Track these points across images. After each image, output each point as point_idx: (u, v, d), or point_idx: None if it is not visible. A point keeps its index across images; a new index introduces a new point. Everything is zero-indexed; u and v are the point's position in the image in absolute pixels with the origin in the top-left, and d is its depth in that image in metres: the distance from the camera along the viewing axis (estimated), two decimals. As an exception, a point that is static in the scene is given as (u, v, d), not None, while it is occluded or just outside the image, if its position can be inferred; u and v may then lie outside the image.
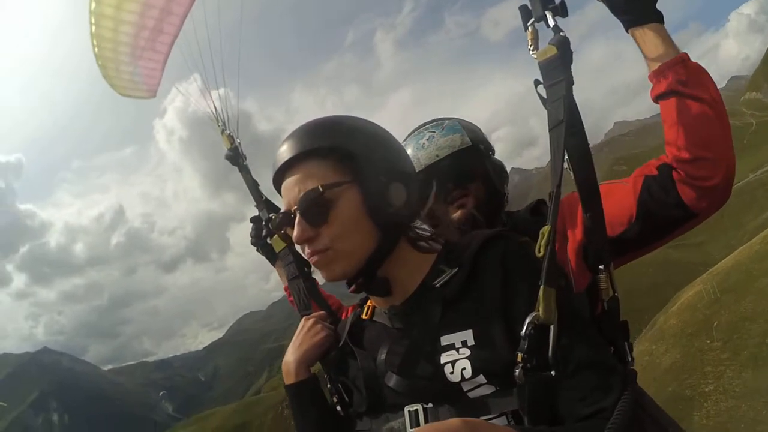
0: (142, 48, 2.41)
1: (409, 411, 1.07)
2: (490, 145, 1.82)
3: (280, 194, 1.23)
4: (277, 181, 1.22)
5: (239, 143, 2.18)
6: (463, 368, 1.03)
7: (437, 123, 1.84)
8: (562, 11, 1.29)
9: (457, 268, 1.14)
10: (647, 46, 1.32)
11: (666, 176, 1.35)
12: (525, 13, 1.34)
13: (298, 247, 1.21)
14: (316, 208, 1.12)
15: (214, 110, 2.26)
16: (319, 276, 1.61)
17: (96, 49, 2.41)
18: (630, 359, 1.31)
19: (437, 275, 1.17)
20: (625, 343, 1.33)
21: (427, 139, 1.79)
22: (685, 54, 1.31)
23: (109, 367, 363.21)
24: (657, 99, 1.33)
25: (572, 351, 1.00)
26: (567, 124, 1.17)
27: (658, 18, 1.31)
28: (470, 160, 1.75)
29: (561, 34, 1.26)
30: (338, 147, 1.15)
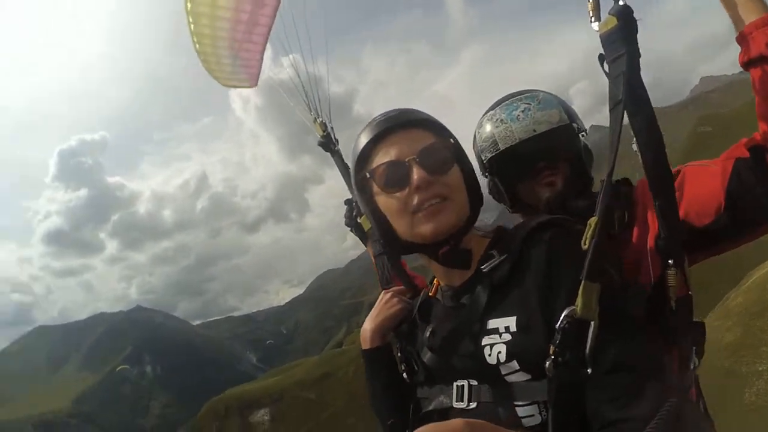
0: (240, 41, 2.53)
1: (456, 385, 1.17)
2: (582, 124, 1.74)
3: (362, 164, 1.28)
4: (374, 144, 1.25)
5: (332, 128, 2.27)
6: (499, 352, 1.08)
7: (532, 95, 1.75)
8: None
9: (505, 255, 1.18)
10: (735, 4, 1.17)
11: (758, 159, 1.19)
12: None
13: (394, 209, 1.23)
14: (439, 158, 1.21)
15: (305, 100, 2.33)
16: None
17: (197, 46, 2.56)
18: (693, 365, 1.24)
19: (487, 260, 1.22)
20: (694, 348, 1.25)
21: (522, 111, 1.70)
22: None
23: (198, 322, 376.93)
24: (746, 66, 1.17)
25: (610, 350, 0.97)
26: (625, 104, 1.13)
27: None
28: (565, 139, 1.67)
29: (621, 2, 1.18)
30: (441, 125, 1.29)
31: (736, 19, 1.16)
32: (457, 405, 1.16)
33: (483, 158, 1.83)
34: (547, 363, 0.97)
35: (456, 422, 0.78)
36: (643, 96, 1.15)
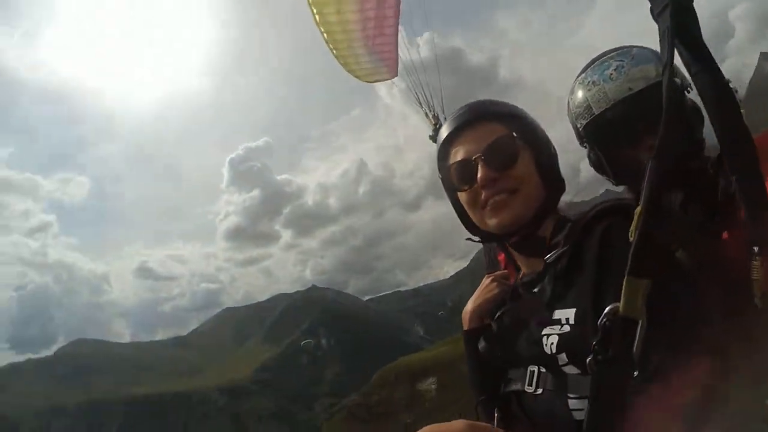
0: (372, 37, 2.64)
1: (529, 370, 1.18)
2: (687, 80, 1.49)
3: (442, 161, 1.36)
4: (448, 143, 1.33)
5: (445, 118, 2.22)
6: (552, 343, 1.07)
7: (624, 51, 1.59)
8: None
9: (567, 246, 1.15)
10: None
11: None
12: None
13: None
14: (504, 153, 1.22)
15: (417, 97, 2.39)
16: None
17: (334, 51, 2.73)
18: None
19: (552, 249, 1.20)
20: None
21: (615, 70, 1.55)
22: None
23: (368, 297, 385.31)
24: None
25: (657, 359, 0.88)
26: (669, 63, 0.95)
27: None
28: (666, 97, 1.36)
29: None
30: (514, 114, 1.30)
31: None
32: (527, 389, 1.17)
33: (578, 126, 1.68)
34: (588, 359, 0.90)
35: (458, 422, 0.79)
36: (700, 53, 0.99)
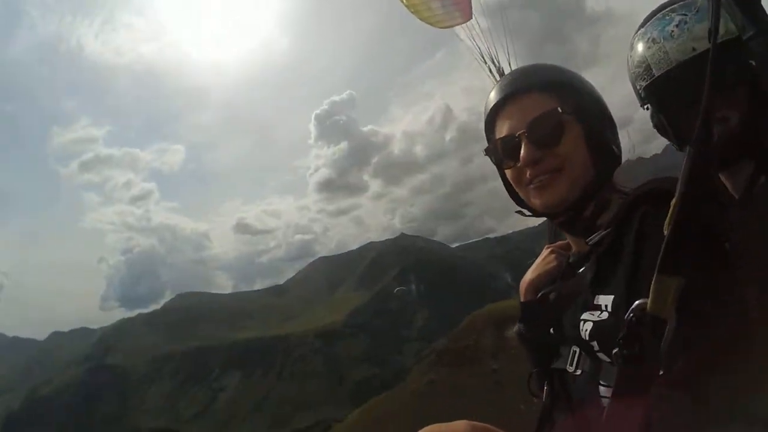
0: None
1: (573, 350, 1.15)
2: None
3: (489, 133, 1.30)
4: (493, 116, 1.26)
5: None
6: (587, 330, 1.05)
7: (687, 3, 1.32)
8: None
9: (608, 229, 1.10)
10: None
11: None
12: None
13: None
14: (548, 129, 1.13)
15: (479, 50, 2.31)
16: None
17: (404, 1, 2.74)
18: None
19: (596, 231, 1.14)
20: None
21: (677, 26, 1.31)
22: None
23: (456, 244, 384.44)
24: None
25: (685, 356, 0.81)
26: (715, 31, 0.84)
27: None
28: (737, 58, 1.18)
29: None
30: (561, 82, 1.18)
31: None
32: (569, 368, 1.15)
33: (638, 87, 1.47)
34: (614, 351, 0.87)
35: (460, 424, 0.79)
36: (754, 19, 0.90)
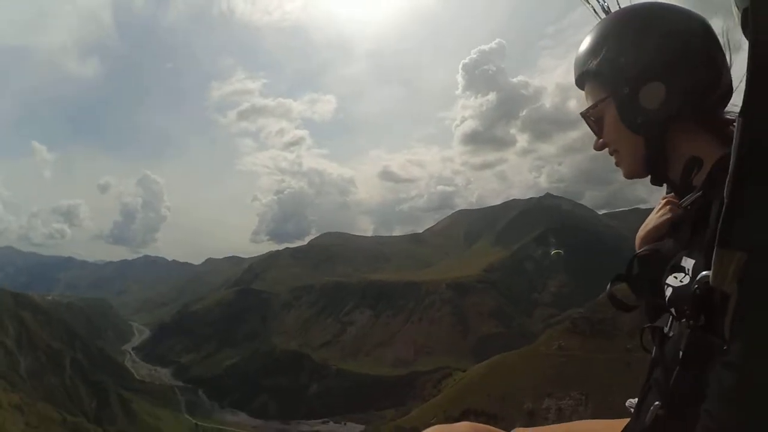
0: None
1: (671, 311, 1.09)
2: None
3: None
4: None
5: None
6: (669, 294, 1.05)
7: None
8: None
9: (699, 194, 1.09)
10: None
11: None
12: None
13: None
14: (592, 124, 1.30)
15: None
16: None
17: None
18: None
19: (688, 191, 1.14)
20: None
21: None
22: None
23: (603, 211, 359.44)
24: None
25: (742, 341, 0.80)
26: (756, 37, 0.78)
27: None
28: None
29: None
30: (591, 71, 1.23)
31: None
32: (665, 330, 1.12)
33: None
34: (682, 321, 0.91)
35: (462, 426, 0.78)
36: None
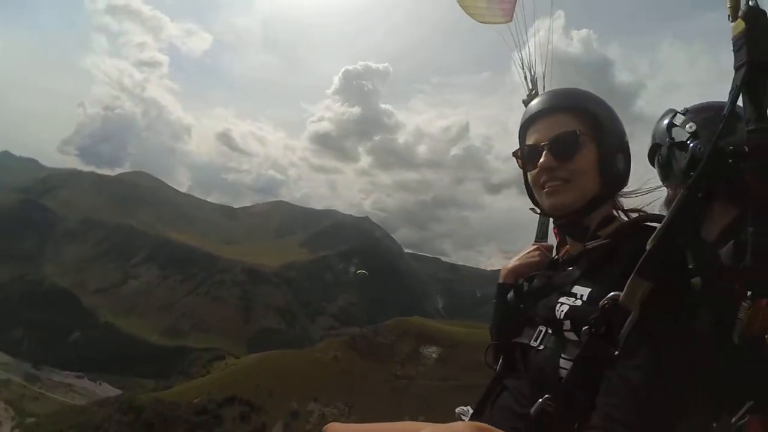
0: None
1: (539, 329, 1.40)
2: (672, 140, 1.70)
3: (521, 138, 1.57)
4: (527, 126, 1.53)
5: (544, 87, 2.37)
6: (563, 311, 1.31)
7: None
8: None
9: (607, 240, 1.39)
10: None
11: None
12: None
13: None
14: (566, 146, 1.41)
15: (520, 56, 2.42)
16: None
17: None
18: (737, 419, 1.17)
19: (593, 239, 1.43)
20: (748, 405, 1.15)
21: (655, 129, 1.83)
22: None
23: (409, 251, 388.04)
24: None
25: (634, 350, 1.10)
26: (726, 116, 1.15)
27: None
28: (661, 157, 1.76)
29: (751, 3, 1.11)
30: (587, 109, 1.44)
31: None
32: (532, 344, 1.39)
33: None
34: (583, 329, 1.18)
35: (459, 425, 0.87)
36: (761, 112, 1.11)
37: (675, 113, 1.72)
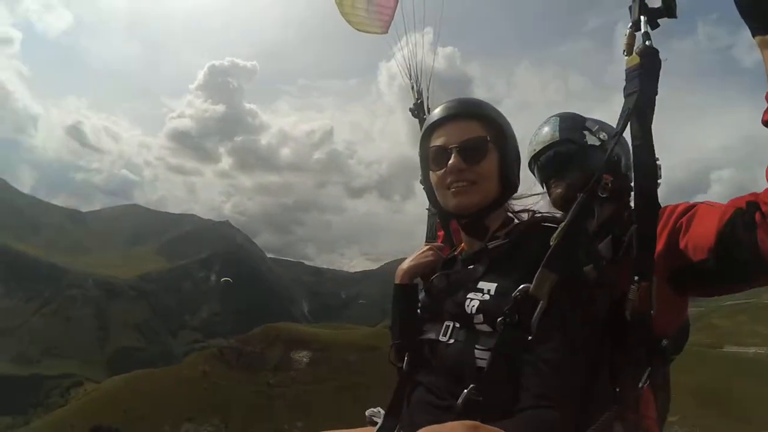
0: None
1: (446, 324, 1.51)
2: (585, 143, 1.96)
3: (424, 140, 1.66)
4: (433, 128, 1.62)
5: (428, 98, 2.54)
6: (474, 305, 1.42)
7: (547, 120, 2.09)
8: (668, 12, 1.37)
9: (507, 240, 1.53)
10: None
11: (749, 216, 1.26)
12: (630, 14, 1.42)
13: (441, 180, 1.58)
14: (475, 150, 1.53)
15: (407, 65, 2.53)
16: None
17: None
18: (641, 384, 1.41)
19: (494, 239, 1.57)
20: (649, 368, 1.41)
21: (534, 135, 2.09)
22: None
23: (272, 256, 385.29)
24: (765, 124, 1.21)
25: (548, 334, 1.27)
26: (618, 134, 1.43)
27: None
28: (558, 154, 1.98)
29: (648, 43, 1.36)
30: (494, 119, 1.58)
31: None
32: (441, 339, 1.49)
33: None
34: (498, 320, 1.31)
35: (454, 424, 0.93)
36: (645, 132, 1.37)
37: (585, 119, 2.01)
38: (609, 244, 1.70)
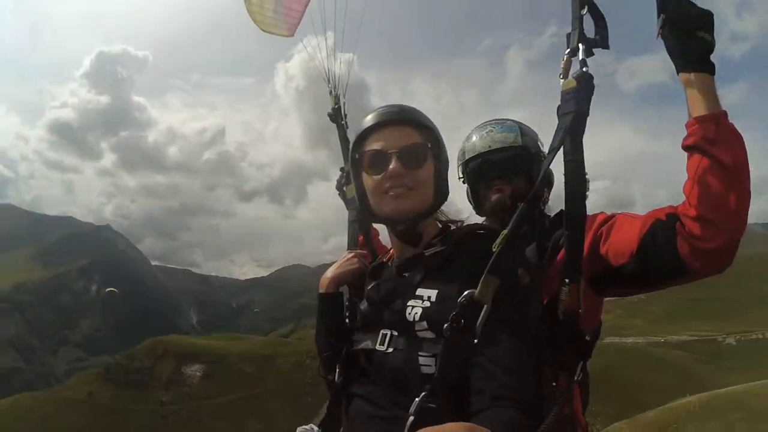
0: None
1: (382, 333, 1.49)
2: (542, 152, 2.06)
3: (357, 144, 1.62)
4: (369, 132, 1.60)
5: (344, 104, 2.55)
6: (416, 312, 1.41)
7: (500, 121, 2.16)
8: (602, 43, 1.49)
9: (444, 247, 1.53)
10: (690, 94, 1.40)
11: (670, 225, 1.44)
12: (568, 40, 1.54)
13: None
14: (415, 156, 1.53)
15: (326, 70, 2.51)
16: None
17: None
18: (576, 377, 1.51)
19: (430, 246, 1.57)
20: (582, 363, 1.51)
21: (487, 132, 2.11)
22: (723, 112, 1.37)
23: (157, 263, 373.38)
24: (684, 150, 1.42)
25: (495, 337, 1.28)
26: (556, 149, 1.48)
27: (709, 69, 1.39)
28: (514, 156, 2.03)
29: (584, 69, 1.47)
30: (431, 129, 1.61)
31: (692, 109, 1.39)
32: (378, 348, 1.48)
33: (458, 167, 2.22)
34: (445, 326, 1.30)
35: (452, 425, 0.88)
36: (577, 149, 1.47)
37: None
38: (534, 250, 1.81)
